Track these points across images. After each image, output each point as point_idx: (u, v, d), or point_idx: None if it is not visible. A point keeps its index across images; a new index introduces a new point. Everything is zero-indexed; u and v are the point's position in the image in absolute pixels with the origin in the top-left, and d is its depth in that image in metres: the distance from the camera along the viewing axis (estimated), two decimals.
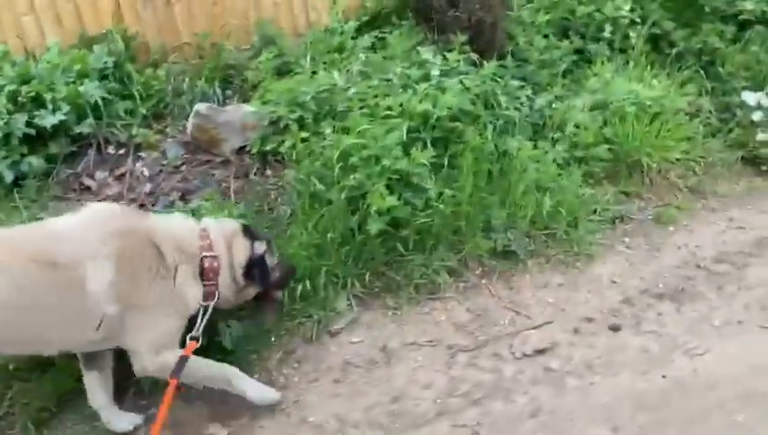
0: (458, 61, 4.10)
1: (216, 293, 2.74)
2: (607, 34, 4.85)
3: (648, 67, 4.70)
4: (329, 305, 3.32)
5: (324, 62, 4.60)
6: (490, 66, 4.12)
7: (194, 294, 2.71)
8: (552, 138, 4.17)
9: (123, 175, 4.22)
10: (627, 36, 4.90)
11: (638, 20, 4.92)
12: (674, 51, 4.82)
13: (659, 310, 3.31)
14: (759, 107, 4.41)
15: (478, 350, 3.13)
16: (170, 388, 2.45)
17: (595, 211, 3.92)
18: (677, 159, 4.29)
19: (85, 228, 2.58)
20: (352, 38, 4.87)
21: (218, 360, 2.90)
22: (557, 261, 3.66)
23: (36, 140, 4.12)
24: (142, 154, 4.36)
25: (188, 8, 5.04)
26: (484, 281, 3.55)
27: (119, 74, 4.60)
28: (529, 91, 4.29)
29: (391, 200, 3.30)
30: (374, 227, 3.27)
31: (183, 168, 4.24)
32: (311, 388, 2.98)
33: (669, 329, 3.18)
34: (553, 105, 4.29)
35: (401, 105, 3.75)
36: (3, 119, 4.02)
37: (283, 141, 3.97)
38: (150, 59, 4.94)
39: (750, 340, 3.07)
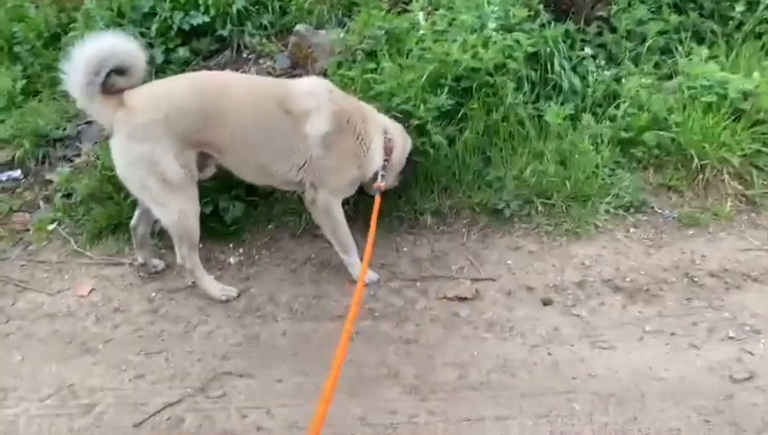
0: (528, 17, 4.12)
1: (387, 166, 3.44)
2: (736, 14, 4.31)
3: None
4: None
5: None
6: (556, 29, 4.07)
7: (376, 162, 3.42)
8: (604, 114, 4.02)
9: None
10: (765, 20, 4.30)
11: None
12: None
13: (605, 301, 3.25)
14: None
15: (414, 282, 3.46)
16: (375, 210, 3.18)
17: (615, 195, 3.78)
18: (755, 166, 3.84)
19: (313, 89, 3.30)
20: None
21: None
22: (545, 231, 3.70)
23: (188, 34, 5.19)
24: (261, 61, 5.21)
25: None
26: (464, 230, 3.77)
27: None
28: (600, 62, 4.14)
29: None
30: None
31: (283, 77, 5.00)
32: (272, 268, 3.63)
33: (597, 319, 3.14)
34: (622, 81, 4.09)
35: (446, 52, 3.97)
36: (166, 14, 5.13)
37: (351, 68, 4.46)
38: None
39: (663, 353, 2.91)
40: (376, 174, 3.45)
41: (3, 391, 2.90)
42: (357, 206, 3.83)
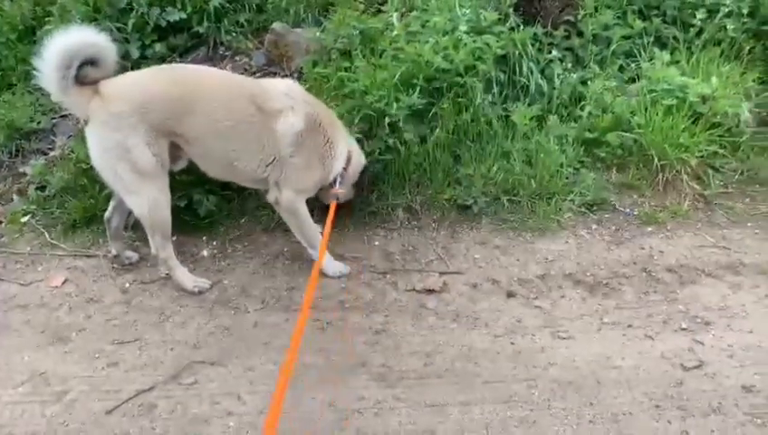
0: (498, 21, 4.24)
1: (345, 175, 3.55)
2: (697, 22, 4.49)
3: (733, 64, 4.32)
4: None
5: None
6: (525, 32, 4.21)
7: (339, 166, 3.52)
8: (569, 115, 4.17)
9: None
10: (724, 28, 4.49)
11: (743, 11, 4.47)
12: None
13: (566, 293, 3.38)
14: None
15: (384, 274, 3.55)
16: (332, 210, 3.28)
17: (578, 193, 3.92)
18: (712, 166, 4.02)
19: (288, 90, 3.40)
20: None
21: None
22: (510, 227, 3.83)
23: (164, 30, 5.22)
24: (237, 58, 5.27)
25: None
26: (434, 225, 3.88)
27: None
28: (567, 65, 4.28)
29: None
30: None
31: (258, 74, 5.07)
32: (245, 261, 3.70)
33: (558, 311, 3.26)
34: (588, 83, 4.24)
35: (418, 53, 4.08)
36: (142, 9, 5.16)
37: (326, 66, 4.55)
38: None
39: (619, 343, 3.05)
40: (334, 180, 3.54)
41: None
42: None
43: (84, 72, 3.05)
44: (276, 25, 4.96)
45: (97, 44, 3.05)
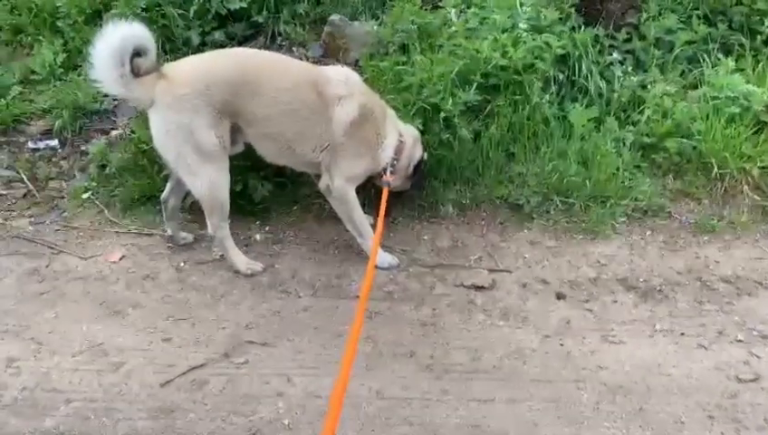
0: (559, 20, 4.21)
1: (395, 164, 3.58)
2: (765, 29, 4.38)
3: None
4: None
5: None
6: (586, 32, 4.16)
7: (387, 157, 3.56)
8: (628, 118, 4.11)
9: None
10: None
11: None
12: None
13: (618, 298, 3.34)
14: None
15: (432, 268, 3.57)
16: (384, 196, 3.34)
17: (633, 198, 3.86)
18: None
19: (346, 78, 3.46)
20: None
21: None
22: (562, 229, 3.80)
23: (225, 18, 5.33)
24: (294, 48, 5.34)
25: None
26: (483, 222, 3.87)
27: None
28: (627, 68, 4.22)
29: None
30: None
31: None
32: (296, 247, 3.75)
33: (608, 315, 3.23)
34: (648, 87, 4.17)
35: (476, 49, 4.07)
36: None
37: (382, 60, 4.57)
38: None
39: (671, 350, 3.00)
40: (385, 168, 3.57)
41: (37, 343, 3.05)
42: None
43: (136, 63, 3.11)
44: (334, 17, 5.01)
45: (137, 35, 3.09)
